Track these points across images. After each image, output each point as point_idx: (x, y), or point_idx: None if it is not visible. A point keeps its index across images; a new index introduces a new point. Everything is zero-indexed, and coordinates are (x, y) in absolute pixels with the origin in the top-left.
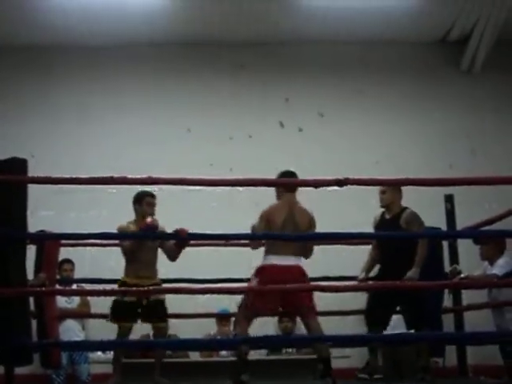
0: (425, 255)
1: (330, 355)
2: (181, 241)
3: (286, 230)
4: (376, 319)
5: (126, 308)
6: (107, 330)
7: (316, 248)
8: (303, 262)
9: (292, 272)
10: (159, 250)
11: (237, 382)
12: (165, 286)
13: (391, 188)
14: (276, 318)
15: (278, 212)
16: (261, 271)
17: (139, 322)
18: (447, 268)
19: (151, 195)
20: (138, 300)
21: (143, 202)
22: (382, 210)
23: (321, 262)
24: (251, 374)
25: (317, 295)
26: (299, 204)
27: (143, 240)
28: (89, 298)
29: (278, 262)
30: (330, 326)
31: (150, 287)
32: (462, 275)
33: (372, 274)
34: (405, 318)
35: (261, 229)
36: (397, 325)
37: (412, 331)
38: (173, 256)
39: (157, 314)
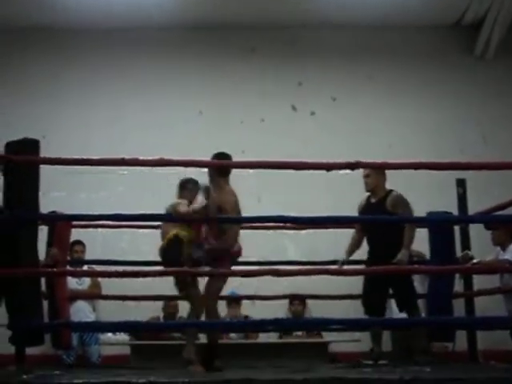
0: (413, 237)
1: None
2: None
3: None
4: (372, 304)
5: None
6: (118, 312)
7: (325, 232)
8: None
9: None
10: None
11: (212, 369)
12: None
13: (375, 172)
14: (287, 301)
15: (235, 198)
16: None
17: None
18: (458, 253)
19: (195, 182)
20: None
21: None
22: (367, 194)
23: (332, 245)
24: (262, 357)
25: (325, 278)
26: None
27: None
28: (100, 279)
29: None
30: (338, 310)
31: None
32: (474, 260)
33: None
34: (396, 300)
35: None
36: None
37: (403, 314)
38: None
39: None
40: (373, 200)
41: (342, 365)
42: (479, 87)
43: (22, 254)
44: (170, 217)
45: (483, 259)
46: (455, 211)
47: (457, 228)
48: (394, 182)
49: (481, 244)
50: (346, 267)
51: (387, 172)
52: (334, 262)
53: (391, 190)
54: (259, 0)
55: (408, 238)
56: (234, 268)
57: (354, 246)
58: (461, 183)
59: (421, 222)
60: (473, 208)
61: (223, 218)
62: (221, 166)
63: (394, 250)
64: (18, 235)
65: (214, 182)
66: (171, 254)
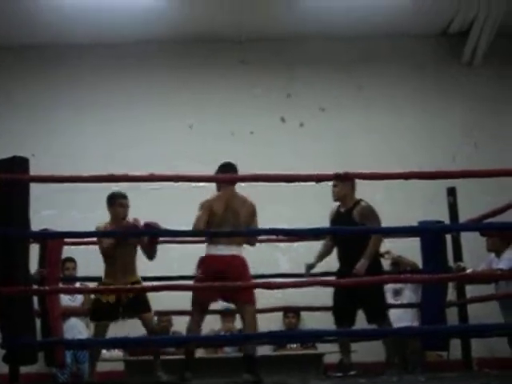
0: (376, 249)
1: (255, 353)
2: (151, 237)
3: (227, 220)
4: (342, 315)
5: (106, 308)
6: (111, 328)
7: (315, 244)
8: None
9: (229, 262)
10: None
11: (181, 379)
12: (166, 283)
13: (342, 181)
14: (281, 314)
15: (218, 202)
16: (202, 262)
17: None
18: (451, 261)
19: (123, 196)
20: (118, 299)
21: (116, 204)
22: (337, 203)
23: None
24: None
25: (318, 290)
26: (239, 194)
27: (121, 240)
28: (92, 296)
29: (216, 253)
30: (332, 321)
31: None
32: (468, 271)
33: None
34: (365, 312)
35: (202, 218)
36: (401, 318)
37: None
38: (149, 254)
39: (139, 306)
40: (341, 209)
41: (337, 375)
42: (468, 94)
43: (13, 272)
44: (160, 232)
45: (475, 270)
46: (447, 220)
47: (448, 237)
48: (385, 191)
49: (472, 252)
50: (336, 279)
51: (361, 181)
52: (326, 274)
53: (360, 200)
54: (247, 12)
55: (371, 249)
56: (226, 282)
57: (325, 252)
58: (451, 192)
59: (412, 231)
60: (465, 216)
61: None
62: (211, 181)
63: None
64: (10, 253)
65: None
66: None
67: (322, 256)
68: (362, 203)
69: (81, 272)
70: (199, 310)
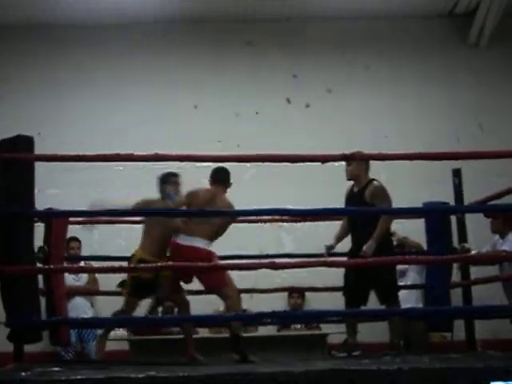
0: (384, 230)
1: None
2: None
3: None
4: (353, 296)
5: (146, 284)
6: (115, 308)
7: (322, 223)
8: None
9: (186, 252)
10: None
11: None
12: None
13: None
14: (285, 294)
15: (201, 195)
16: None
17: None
18: (456, 243)
19: (175, 175)
20: (156, 276)
21: (169, 182)
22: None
23: (330, 237)
24: (261, 350)
25: (323, 271)
26: (225, 199)
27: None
28: (97, 275)
29: (180, 242)
30: (336, 302)
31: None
32: (472, 252)
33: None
34: (376, 293)
35: (180, 205)
36: (406, 299)
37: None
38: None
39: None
40: (355, 189)
41: (341, 356)
42: (474, 75)
43: (18, 251)
44: (165, 211)
45: (480, 251)
46: (452, 201)
47: (453, 218)
48: (390, 172)
49: (477, 234)
50: (344, 259)
51: (374, 162)
52: (331, 254)
53: (372, 180)
54: None
55: (379, 230)
56: (231, 262)
57: (343, 233)
58: (456, 173)
59: (417, 212)
60: (470, 198)
61: (216, 211)
62: (216, 161)
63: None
64: (14, 232)
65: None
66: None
67: (340, 237)
68: (375, 183)
69: (85, 251)
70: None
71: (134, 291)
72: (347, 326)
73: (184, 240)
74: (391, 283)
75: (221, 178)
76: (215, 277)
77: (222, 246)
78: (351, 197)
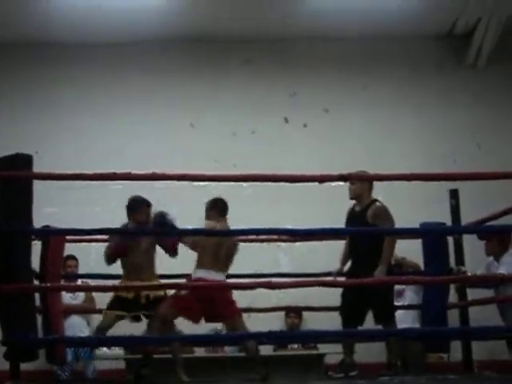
0: (391, 252)
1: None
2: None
3: (220, 254)
4: (350, 316)
5: (123, 301)
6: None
7: (319, 244)
8: None
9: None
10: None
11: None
12: (170, 281)
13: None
14: (283, 314)
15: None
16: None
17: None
18: (453, 264)
19: (148, 204)
20: (135, 297)
21: (141, 210)
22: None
23: (326, 257)
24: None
25: (320, 291)
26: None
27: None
28: (94, 293)
29: (206, 276)
30: (334, 322)
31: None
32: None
33: None
34: (373, 313)
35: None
36: (402, 319)
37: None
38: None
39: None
40: (357, 208)
41: (338, 376)
42: (472, 96)
43: (15, 268)
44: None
45: (475, 273)
46: (449, 222)
47: (450, 239)
48: (388, 192)
49: (474, 254)
50: (341, 279)
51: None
52: (328, 274)
53: (375, 200)
54: (252, 12)
55: (386, 253)
56: (228, 281)
57: (348, 253)
58: (454, 194)
59: (414, 232)
60: (467, 218)
61: (215, 231)
62: (213, 180)
63: (374, 263)
64: (12, 250)
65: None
66: None
67: (345, 260)
68: (377, 203)
69: (82, 270)
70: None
71: (110, 305)
72: (344, 346)
73: (213, 275)
74: (388, 303)
75: (221, 209)
76: (236, 306)
77: None
78: (352, 216)
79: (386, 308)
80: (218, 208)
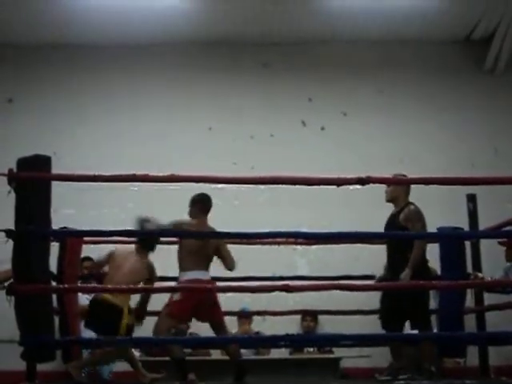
0: (419, 256)
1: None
2: None
3: (200, 252)
4: (388, 320)
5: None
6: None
7: (336, 247)
8: None
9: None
10: None
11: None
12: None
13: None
14: (299, 317)
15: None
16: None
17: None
18: (470, 268)
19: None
20: None
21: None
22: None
23: (343, 260)
24: (273, 373)
25: (336, 294)
26: (210, 226)
27: None
28: None
29: (202, 277)
30: (349, 325)
31: None
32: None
33: None
34: (409, 317)
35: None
36: None
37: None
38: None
39: None
40: (393, 211)
41: (353, 381)
42: (490, 101)
43: (33, 270)
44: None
45: (494, 278)
46: (466, 227)
47: (468, 244)
48: None
49: (491, 259)
50: (356, 282)
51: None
52: (345, 278)
53: (410, 203)
54: (271, 17)
55: (414, 257)
56: (244, 284)
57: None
58: (471, 198)
59: (431, 237)
60: (484, 223)
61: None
62: (230, 182)
63: (403, 267)
64: (30, 251)
65: (193, 215)
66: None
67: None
68: (411, 206)
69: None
70: (173, 323)
71: None
72: (391, 350)
73: (205, 275)
74: (420, 308)
75: (204, 206)
76: (220, 311)
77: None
78: (389, 219)
79: (420, 312)
80: (200, 204)
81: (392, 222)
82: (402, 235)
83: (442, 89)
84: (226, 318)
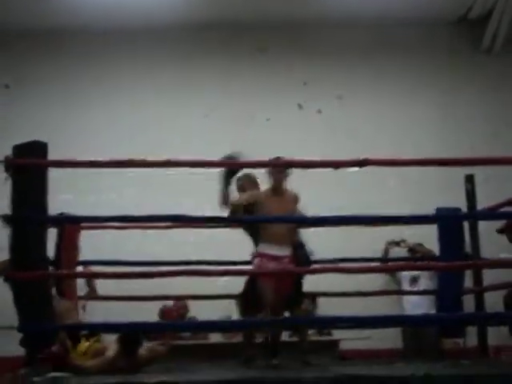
0: None
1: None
2: None
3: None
4: None
5: None
6: (129, 313)
7: (334, 229)
8: None
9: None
10: None
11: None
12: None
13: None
14: None
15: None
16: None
17: None
18: (468, 249)
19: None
20: None
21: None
22: None
23: (340, 243)
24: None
25: (336, 276)
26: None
27: None
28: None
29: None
30: (350, 308)
31: None
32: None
33: None
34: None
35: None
36: (417, 305)
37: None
38: None
39: None
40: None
41: (352, 362)
42: (487, 82)
43: (31, 256)
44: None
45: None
46: (464, 207)
47: (466, 224)
48: (403, 178)
49: (490, 240)
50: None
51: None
52: (343, 260)
53: None
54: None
55: None
56: (240, 267)
57: None
58: (469, 179)
59: (430, 219)
60: (483, 204)
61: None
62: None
63: None
64: (27, 237)
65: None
66: None
67: None
68: None
69: (96, 257)
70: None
71: None
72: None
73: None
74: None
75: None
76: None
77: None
78: None
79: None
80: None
81: None
82: (396, 218)
83: (438, 70)
84: (225, 303)
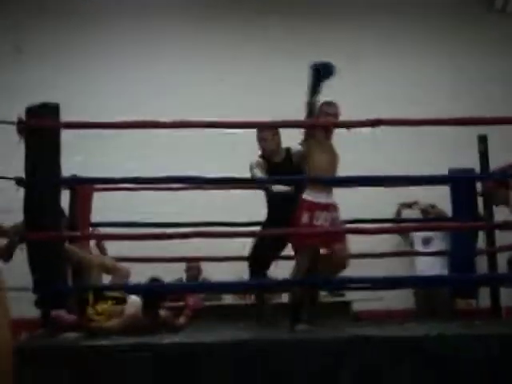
0: None
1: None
2: None
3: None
4: None
5: None
6: (141, 275)
7: (345, 191)
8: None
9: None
10: None
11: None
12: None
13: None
14: None
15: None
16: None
17: None
18: (481, 210)
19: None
20: None
21: None
22: None
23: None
24: (285, 316)
25: (349, 237)
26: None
27: None
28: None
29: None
30: (363, 269)
31: None
32: None
33: None
34: None
35: None
36: (430, 266)
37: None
38: None
39: None
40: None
41: (365, 323)
42: (500, 41)
43: (45, 218)
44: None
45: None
46: (477, 168)
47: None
48: (416, 139)
49: None
50: (369, 226)
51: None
52: (355, 221)
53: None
54: None
55: None
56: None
57: None
58: (482, 140)
59: (442, 179)
60: (496, 164)
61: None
62: (246, 127)
63: None
64: (41, 199)
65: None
66: None
67: None
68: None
69: (106, 218)
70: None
71: None
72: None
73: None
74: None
75: None
76: None
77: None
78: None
79: None
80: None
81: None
82: (409, 178)
83: (451, 31)
84: (238, 265)
